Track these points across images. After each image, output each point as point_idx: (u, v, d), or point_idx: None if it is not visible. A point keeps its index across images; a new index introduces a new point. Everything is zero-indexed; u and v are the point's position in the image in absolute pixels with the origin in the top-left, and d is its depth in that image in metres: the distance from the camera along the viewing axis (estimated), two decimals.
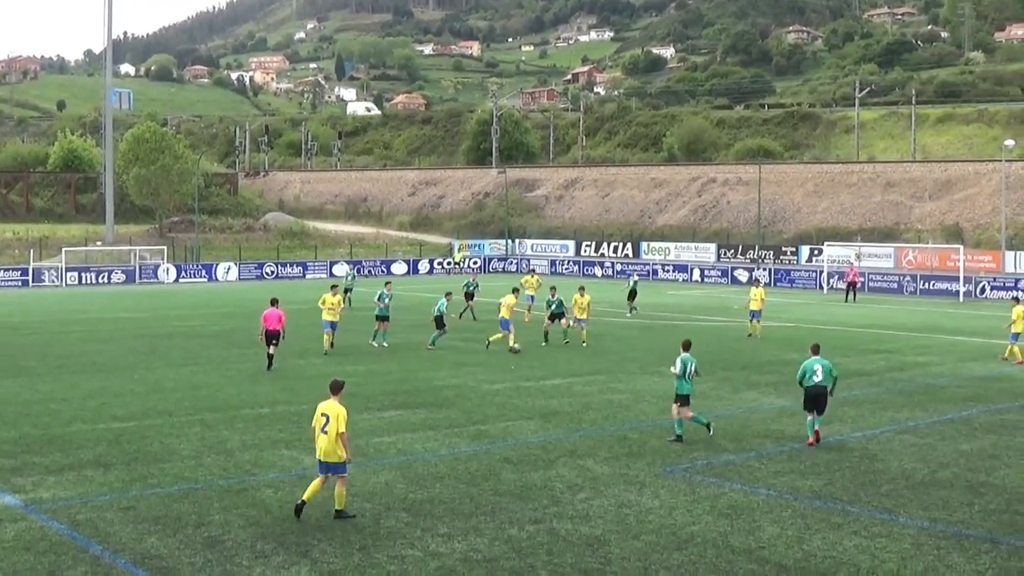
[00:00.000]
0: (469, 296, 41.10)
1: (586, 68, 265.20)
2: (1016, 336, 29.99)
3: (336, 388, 14.08)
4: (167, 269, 66.74)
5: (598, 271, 73.27)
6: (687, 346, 19.04)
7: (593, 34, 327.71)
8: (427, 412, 21.33)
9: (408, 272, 73.92)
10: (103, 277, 64.23)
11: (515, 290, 33.77)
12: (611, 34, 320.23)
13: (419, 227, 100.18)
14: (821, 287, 59.30)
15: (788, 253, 73.04)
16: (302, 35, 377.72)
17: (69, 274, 62.95)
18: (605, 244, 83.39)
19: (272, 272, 69.96)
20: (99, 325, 39.23)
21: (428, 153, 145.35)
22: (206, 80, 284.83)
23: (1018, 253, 63.61)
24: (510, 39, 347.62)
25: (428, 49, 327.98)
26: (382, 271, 71.82)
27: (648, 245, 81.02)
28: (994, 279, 56.13)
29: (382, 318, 32.06)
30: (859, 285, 53.49)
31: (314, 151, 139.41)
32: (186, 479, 15.87)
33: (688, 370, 18.52)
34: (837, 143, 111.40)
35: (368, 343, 31.92)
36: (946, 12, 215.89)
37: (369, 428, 19.44)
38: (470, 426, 20.02)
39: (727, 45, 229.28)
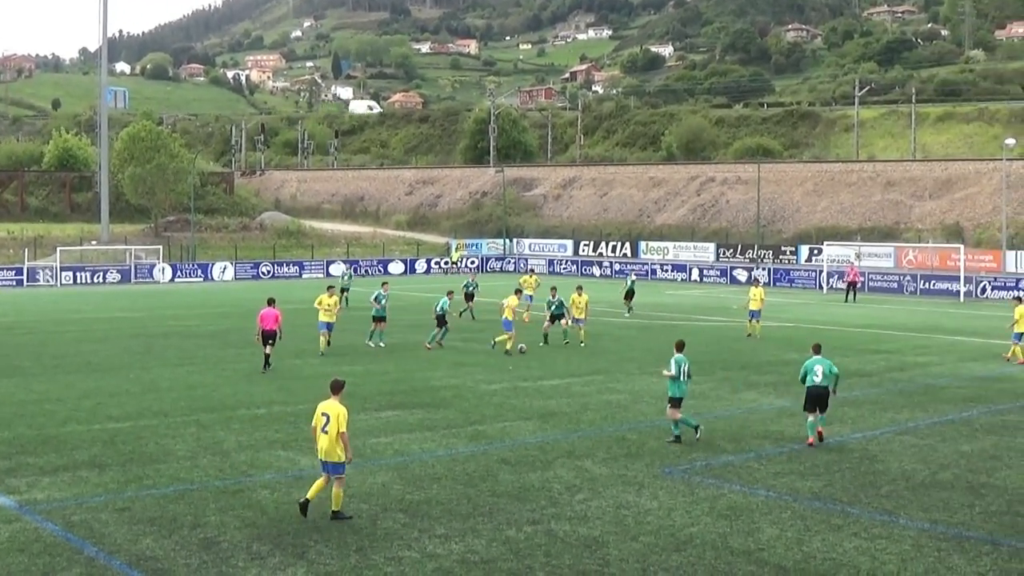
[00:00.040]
0: (469, 296, 41.00)
1: (584, 67, 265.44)
2: (1019, 336, 29.82)
3: (336, 388, 14.01)
4: (163, 269, 66.57)
5: (596, 271, 73.10)
6: (680, 347, 18.91)
7: (591, 32, 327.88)
8: (424, 412, 21.23)
9: (405, 272, 73.74)
10: (98, 277, 64.05)
11: (517, 291, 33.67)
12: (609, 32, 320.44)
13: (416, 226, 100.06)
14: (821, 287, 59.18)
15: (787, 253, 72.91)
16: (298, 33, 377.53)
17: (64, 274, 62.78)
18: (603, 244, 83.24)
19: (268, 272, 69.82)
20: (94, 325, 39.12)
21: (425, 152, 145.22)
22: (202, 79, 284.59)
23: (1019, 253, 63.49)
24: (508, 37, 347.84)
25: (425, 47, 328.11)
26: (379, 270, 71.64)
27: (647, 245, 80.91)
28: (995, 279, 55.98)
29: (379, 319, 31.99)
30: (859, 285, 53.37)
31: (310, 150, 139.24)
32: (182, 480, 15.78)
33: (682, 371, 18.42)
34: (837, 142, 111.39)
35: (364, 343, 31.84)
36: (946, 10, 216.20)
37: (366, 429, 19.32)
38: (468, 427, 19.94)
39: (726, 43, 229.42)
